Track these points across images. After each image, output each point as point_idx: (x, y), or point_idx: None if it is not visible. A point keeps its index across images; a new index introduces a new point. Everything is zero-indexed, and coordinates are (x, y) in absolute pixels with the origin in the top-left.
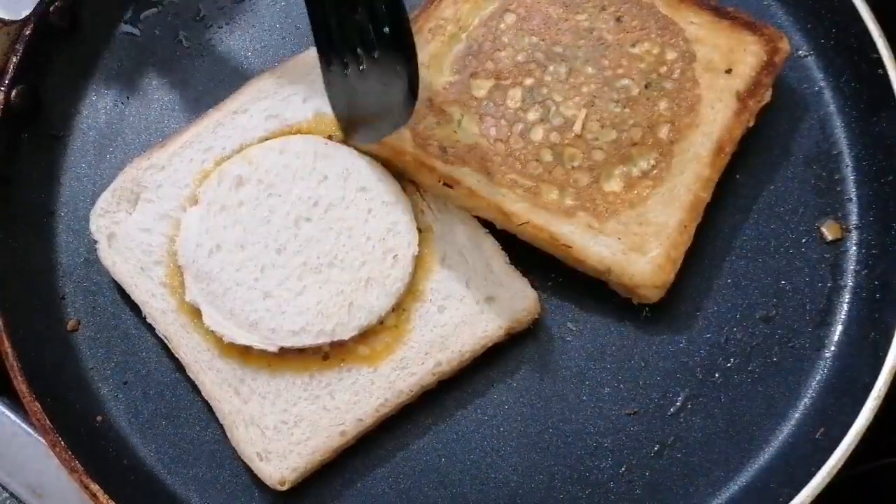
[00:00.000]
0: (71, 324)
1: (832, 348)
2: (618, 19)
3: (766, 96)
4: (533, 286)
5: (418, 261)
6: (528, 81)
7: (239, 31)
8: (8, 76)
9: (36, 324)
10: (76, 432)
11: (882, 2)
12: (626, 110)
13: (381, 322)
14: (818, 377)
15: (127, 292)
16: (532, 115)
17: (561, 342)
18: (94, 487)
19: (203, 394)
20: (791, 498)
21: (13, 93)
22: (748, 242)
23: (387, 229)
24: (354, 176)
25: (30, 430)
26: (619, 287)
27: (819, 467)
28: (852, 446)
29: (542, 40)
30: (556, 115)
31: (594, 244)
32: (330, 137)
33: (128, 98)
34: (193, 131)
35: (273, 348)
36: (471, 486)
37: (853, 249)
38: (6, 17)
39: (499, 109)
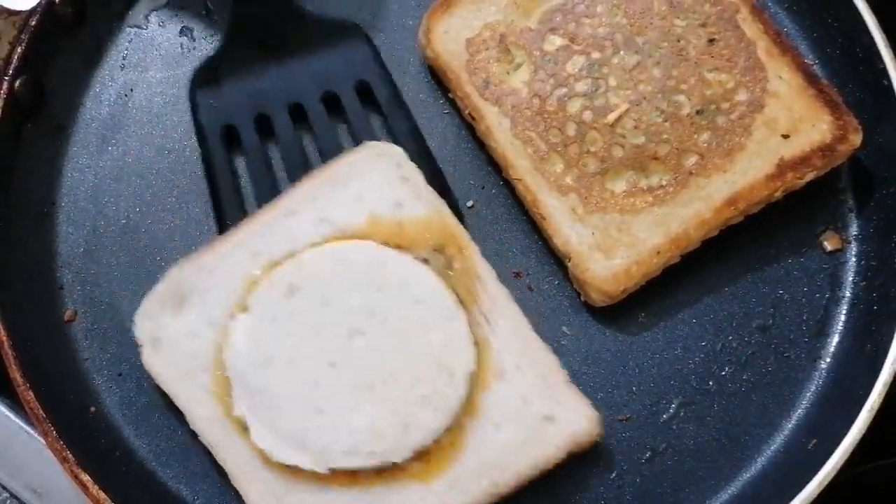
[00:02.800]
0: (68, 314)
1: (828, 359)
2: (711, 41)
3: (807, 177)
4: (529, 289)
5: (474, 376)
6: (596, 55)
7: (244, 26)
8: (13, 66)
9: (33, 313)
10: (69, 422)
11: (889, 13)
12: (666, 124)
13: (435, 441)
14: (813, 388)
15: (171, 398)
16: (580, 87)
17: (555, 346)
18: (85, 478)
19: (247, 502)
20: None
21: (17, 83)
22: (747, 250)
23: (443, 344)
24: (410, 287)
25: (30, 430)
26: (573, 277)
27: (810, 478)
28: (844, 458)
29: (631, 25)
30: (601, 97)
31: (569, 227)
32: (385, 243)
33: (131, 91)
34: (242, 234)
35: (323, 470)
36: None
37: (852, 261)
38: (12, 7)
39: (555, 68)
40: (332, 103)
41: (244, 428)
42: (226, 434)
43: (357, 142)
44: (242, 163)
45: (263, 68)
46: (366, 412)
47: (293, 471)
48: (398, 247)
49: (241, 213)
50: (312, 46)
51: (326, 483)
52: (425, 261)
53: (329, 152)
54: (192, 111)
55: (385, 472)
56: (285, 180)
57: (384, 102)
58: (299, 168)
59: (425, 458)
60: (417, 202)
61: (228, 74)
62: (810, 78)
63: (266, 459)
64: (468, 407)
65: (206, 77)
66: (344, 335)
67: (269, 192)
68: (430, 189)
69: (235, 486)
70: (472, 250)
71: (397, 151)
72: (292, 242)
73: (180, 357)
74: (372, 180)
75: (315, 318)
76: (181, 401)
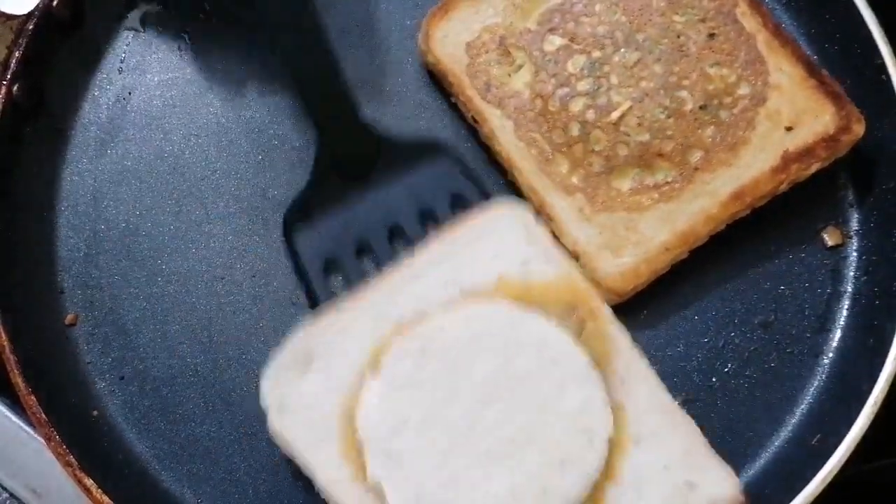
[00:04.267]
0: (69, 318)
1: (830, 354)
2: (711, 35)
3: (812, 168)
4: None
5: (613, 440)
6: (596, 54)
7: (244, 28)
8: (10, 70)
9: (34, 317)
10: (71, 426)
11: (886, 7)
12: (670, 120)
13: None
14: (816, 383)
15: (298, 463)
16: (582, 86)
17: None
18: (88, 482)
19: None
20: None
21: (15, 87)
22: (748, 247)
23: (580, 407)
24: (544, 348)
25: (30, 430)
26: None
27: (815, 473)
28: (848, 452)
29: (631, 23)
30: (603, 96)
31: (576, 227)
32: (515, 303)
33: (130, 94)
34: (369, 296)
35: None
36: None
37: (853, 255)
38: (10, 11)
39: (556, 68)
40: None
41: (378, 492)
42: (361, 498)
43: None
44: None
45: (355, 198)
46: (504, 477)
47: None
48: (529, 308)
49: None
50: (398, 168)
51: None
52: (556, 321)
53: None
54: (290, 250)
55: None
56: None
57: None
58: None
59: None
60: (545, 263)
61: (320, 209)
62: (811, 69)
63: None
64: (607, 472)
65: (298, 215)
66: (479, 399)
67: None
68: (558, 250)
69: None
70: (604, 311)
71: (524, 211)
72: (421, 304)
73: (308, 421)
74: (500, 240)
75: (448, 381)
76: (311, 464)
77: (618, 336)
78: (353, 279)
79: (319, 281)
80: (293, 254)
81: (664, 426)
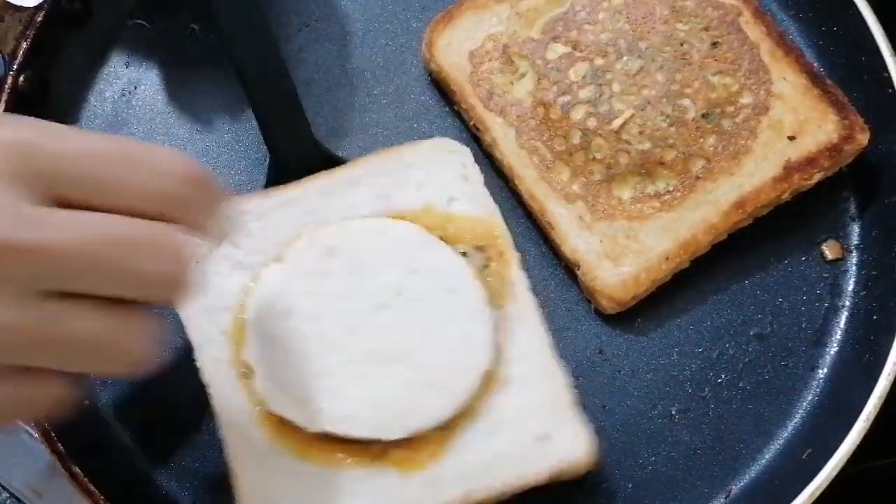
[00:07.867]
0: None
1: (825, 369)
2: (714, 44)
3: (814, 178)
4: None
5: (486, 377)
6: (599, 62)
7: None
8: (18, 61)
9: None
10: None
11: (894, 21)
12: (672, 129)
13: (427, 432)
14: (809, 397)
15: (188, 338)
16: (583, 94)
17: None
18: (75, 469)
19: (228, 455)
20: None
21: (21, 77)
22: (747, 258)
23: (463, 338)
24: (445, 275)
25: (30, 429)
26: (582, 285)
27: (803, 488)
28: (837, 468)
29: (633, 31)
30: (605, 104)
31: (576, 236)
32: (430, 231)
33: (135, 88)
34: (300, 190)
35: (314, 429)
36: None
37: (853, 270)
38: (20, 3)
39: (558, 76)
40: None
41: (248, 376)
42: (228, 379)
43: None
44: None
45: None
46: (372, 385)
47: (281, 432)
48: (442, 238)
49: None
50: None
51: (308, 455)
52: (464, 254)
53: None
54: None
55: (367, 453)
56: None
57: None
58: None
59: (412, 446)
60: (470, 203)
61: None
62: (815, 78)
63: (258, 418)
64: (466, 409)
65: None
66: (369, 306)
67: None
68: (488, 194)
69: (222, 434)
70: (512, 256)
71: (466, 151)
72: (347, 210)
73: (208, 296)
74: (435, 172)
75: (346, 283)
76: (195, 335)
77: (517, 281)
78: None
79: None
80: None
81: (536, 375)
